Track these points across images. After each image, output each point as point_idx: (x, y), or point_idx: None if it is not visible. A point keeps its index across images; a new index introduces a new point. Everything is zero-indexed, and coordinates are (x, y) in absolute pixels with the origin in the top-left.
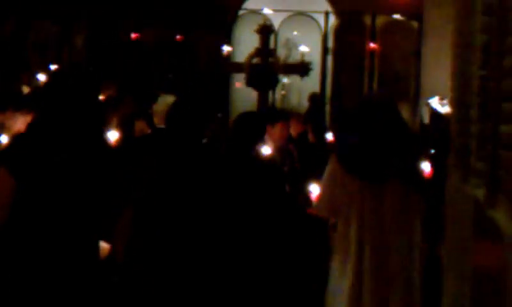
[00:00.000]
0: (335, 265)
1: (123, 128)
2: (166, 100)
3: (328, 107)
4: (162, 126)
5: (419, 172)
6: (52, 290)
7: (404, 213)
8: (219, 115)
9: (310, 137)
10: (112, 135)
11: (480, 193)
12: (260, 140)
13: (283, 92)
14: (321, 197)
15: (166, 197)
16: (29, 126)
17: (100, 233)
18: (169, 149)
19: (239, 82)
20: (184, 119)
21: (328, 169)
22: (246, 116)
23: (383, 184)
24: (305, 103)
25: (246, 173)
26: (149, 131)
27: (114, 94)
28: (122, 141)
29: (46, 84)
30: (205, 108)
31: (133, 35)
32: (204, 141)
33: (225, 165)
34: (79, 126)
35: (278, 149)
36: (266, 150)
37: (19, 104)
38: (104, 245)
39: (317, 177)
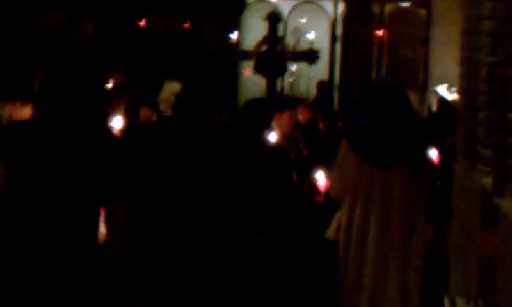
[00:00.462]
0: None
1: (129, 115)
2: (172, 87)
3: (336, 94)
4: (168, 113)
5: (426, 158)
6: (49, 277)
7: (410, 199)
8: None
9: (321, 125)
10: (118, 122)
11: (487, 181)
12: (267, 127)
13: (291, 79)
14: (334, 179)
15: (170, 186)
16: (31, 116)
17: (97, 219)
18: (175, 138)
19: (248, 70)
20: (190, 106)
21: (340, 153)
22: (252, 103)
23: (391, 168)
24: (314, 91)
25: (253, 160)
26: (154, 118)
27: (122, 82)
28: (128, 127)
29: (43, 75)
30: (211, 96)
31: (141, 23)
32: (212, 128)
33: (231, 153)
34: (77, 114)
35: (285, 137)
36: (273, 137)
37: (28, 96)
38: (100, 231)
39: (324, 165)
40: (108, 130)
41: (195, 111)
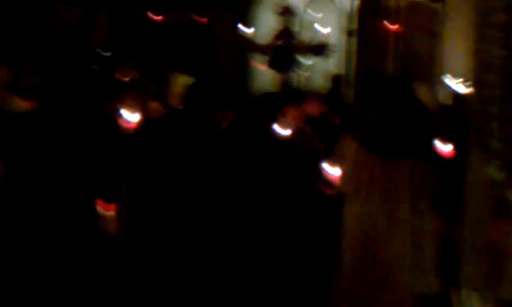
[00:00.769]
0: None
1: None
2: (182, 81)
3: (352, 89)
4: (180, 107)
5: (435, 151)
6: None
7: (417, 191)
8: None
9: (336, 119)
10: (135, 118)
11: (499, 174)
12: (278, 121)
13: (306, 74)
14: (344, 174)
15: (179, 179)
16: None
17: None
18: (185, 131)
19: (262, 65)
20: (200, 100)
21: (345, 147)
22: (264, 97)
23: (398, 161)
24: (328, 85)
25: (263, 153)
26: (164, 111)
27: (137, 78)
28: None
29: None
30: (222, 90)
31: (155, 17)
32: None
33: (242, 146)
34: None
35: (296, 130)
36: (284, 131)
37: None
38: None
39: (337, 159)
40: (109, 124)
41: (205, 105)
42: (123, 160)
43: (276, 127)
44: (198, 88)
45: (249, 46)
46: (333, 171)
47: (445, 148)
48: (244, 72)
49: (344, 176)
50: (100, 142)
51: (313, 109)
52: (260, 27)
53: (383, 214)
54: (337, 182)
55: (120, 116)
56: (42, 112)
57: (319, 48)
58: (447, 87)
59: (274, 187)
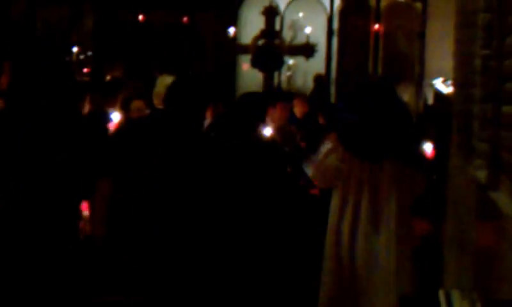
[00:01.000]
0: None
1: (125, 110)
2: (165, 81)
3: (333, 89)
4: (160, 107)
5: (418, 152)
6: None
7: (400, 193)
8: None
9: (320, 119)
10: (115, 117)
11: (482, 174)
12: (261, 121)
13: (288, 73)
14: (317, 167)
15: (163, 183)
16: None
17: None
18: (167, 133)
19: (245, 64)
20: (181, 100)
21: (328, 145)
22: (246, 96)
23: (381, 163)
24: (311, 85)
25: (247, 154)
26: (147, 111)
27: (119, 77)
28: (122, 122)
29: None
30: (204, 88)
31: (140, 17)
32: (208, 122)
33: (225, 146)
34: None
35: (279, 130)
36: (267, 131)
37: None
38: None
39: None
40: (85, 123)
41: (186, 105)
42: (99, 159)
43: (259, 127)
44: (177, 87)
45: (233, 46)
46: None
47: (427, 148)
48: (229, 72)
49: (316, 172)
50: (75, 141)
51: (297, 109)
52: (245, 27)
53: (368, 218)
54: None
55: (100, 115)
56: (10, 112)
57: (306, 49)
58: (430, 86)
59: (257, 186)
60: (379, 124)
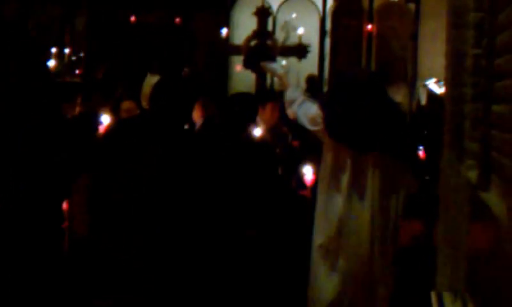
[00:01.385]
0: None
1: (114, 112)
2: (151, 81)
3: (325, 89)
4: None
5: (409, 150)
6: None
7: (387, 186)
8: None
9: None
10: (105, 120)
11: (473, 174)
12: (251, 121)
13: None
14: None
15: (150, 184)
16: None
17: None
18: (151, 133)
19: (238, 65)
20: (165, 100)
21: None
22: (236, 97)
23: (368, 155)
24: (303, 85)
25: (237, 153)
26: (137, 112)
27: (100, 77)
28: (111, 124)
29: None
30: (189, 88)
31: (132, 18)
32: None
33: (214, 146)
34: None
35: (270, 131)
36: (257, 131)
37: None
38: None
39: (313, 159)
40: (62, 118)
41: (170, 104)
42: (80, 158)
43: (251, 127)
44: (161, 87)
45: (225, 47)
46: (309, 171)
47: (419, 148)
48: (222, 73)
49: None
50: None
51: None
52: (237, 28)
53: (350, 209)
54: (312, 183)
55: (90, 116)
56: None
57: (299, 49)
58: (423, 87)
59: (247, 186)
60: (366, 115)
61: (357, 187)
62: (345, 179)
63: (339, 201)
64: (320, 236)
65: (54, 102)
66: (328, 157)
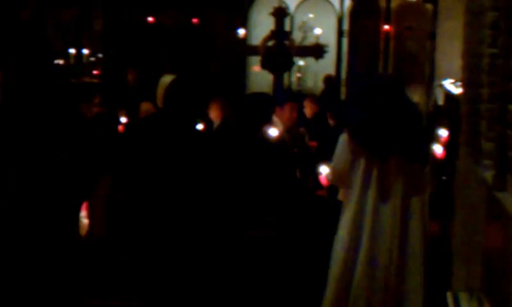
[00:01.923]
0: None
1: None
2: (165, 82)
3: (343, 89)
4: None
5: (424, 151)
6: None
7: (406, 188)
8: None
9: (330, 121)
10: (123, 119)
11: (489, 175)
12: (266, 121)
13: (298, 75)
14: (333, 169)
15: (162, 183)
16: None
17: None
18: (164, 133)
19: (256, 66)
20: (177, 100)
21: (341, 143)
22: (251, 97)
23: (388, 159)
24: (321, 86)
25: (250, 153)
26: (152, 112)
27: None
28: (129, 123)
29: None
30: (201, 89)
31: (150, 18)
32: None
33: (225, 147)
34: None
35: (288, 131)
36: (273, 132)
37: None
38: (82, 222)
39: (330, 159)
40: (80, 121)
41: (181, 105)
42: (99, 159)
43: (267, 127)
44: (173, 88)
45: (243, 47)
46: (326, 172)
47: (436, 149)
48: (239, 74)
49: (333, 170)
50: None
51: (308, 109)
52: (255, 28)
53: (374, 212)
54: (328, 182)
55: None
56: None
57: (316, 50)
58: (440, 87)
59: (264, 186)
60: (388, 121)
61: (381, 188)
62: (373, 179)
63: (368, 199)
64: (345, 229)
65: (59, 101)
66: (356, 159)
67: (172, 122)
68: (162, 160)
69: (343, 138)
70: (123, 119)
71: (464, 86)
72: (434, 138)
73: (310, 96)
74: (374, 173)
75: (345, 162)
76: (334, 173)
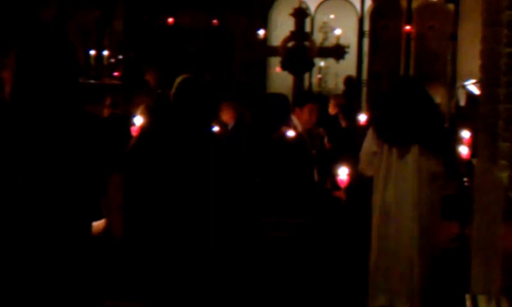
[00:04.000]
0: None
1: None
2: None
3: (364, 90)
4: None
5: (442, 142)
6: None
7: (423, 175)
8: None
9: (342, 122)
10: (137, 120)
11: (505, 175)
12: (283, 121)
13: (319, 76)
14: (360, 157)
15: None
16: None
17: (90, 212)
18: (174, 133)
19: (277, 67)
20: (186, 101)
21: (367, 135)
22: (268, 97)
23: (406, 148)
24: (342, 87)
25: (271, 154)
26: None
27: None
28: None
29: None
30: (212, 89)
31: (170, 20)
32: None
33: (240, 147)
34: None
35: (307, 132)
36: (291, 133)
37: None
38: (97, 223)
39: (346, 160)
40: (91, 119)
41: (190, 106)
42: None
43: (285, 128)
44: (182, 89)
45: (263, 48)
46: (343, 173)
47: (462, 150)
48: (259, 75)
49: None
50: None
51: (331, 108)
52: (275, 29)
53: (395, 202)
54: (346, 184)
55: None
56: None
57: (337, 50)
58: (462, 88)
59: (280, 186)
60: (404, 114)
61: (401, 176)
62: (392, 169)
63: (389, 187)
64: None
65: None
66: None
67: (183, 122)
68: (173, 161)
69: (369, 131)
70: (140, 120)
71: (482, 86)
72: (458, 139)
73: (335, 96)
74: (394, 159)
75: (369, 151)
76: (361, 160)
